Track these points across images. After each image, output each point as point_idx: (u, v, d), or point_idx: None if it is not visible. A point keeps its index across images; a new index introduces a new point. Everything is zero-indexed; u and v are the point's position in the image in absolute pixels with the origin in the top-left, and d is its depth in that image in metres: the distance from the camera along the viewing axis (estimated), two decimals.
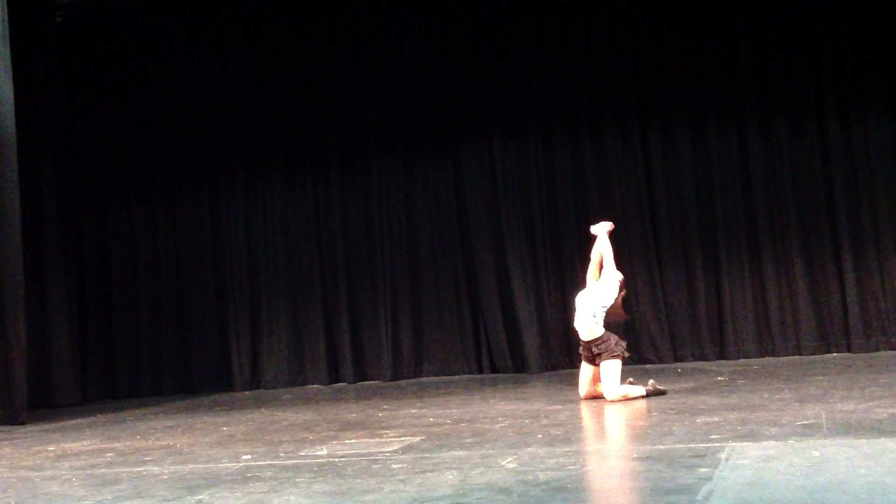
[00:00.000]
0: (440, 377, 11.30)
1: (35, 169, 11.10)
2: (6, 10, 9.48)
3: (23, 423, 9.16)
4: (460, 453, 5.61)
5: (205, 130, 12.22)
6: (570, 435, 6.28)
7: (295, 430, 7.42)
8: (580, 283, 8.42)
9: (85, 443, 7.53)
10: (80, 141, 12.21)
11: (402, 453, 5.76)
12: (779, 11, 11.02)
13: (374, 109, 11.85)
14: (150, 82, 12.30)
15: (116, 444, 7.26)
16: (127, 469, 5.96)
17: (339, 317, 11.70)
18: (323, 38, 11.94)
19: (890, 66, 10.79)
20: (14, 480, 5.89)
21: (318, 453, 6.03)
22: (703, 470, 4.57)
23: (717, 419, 6.24)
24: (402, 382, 11.18)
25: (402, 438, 6.39)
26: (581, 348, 8.02)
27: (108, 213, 12.30)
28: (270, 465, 5.69)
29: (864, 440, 5.08)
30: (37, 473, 6.11)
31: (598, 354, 7.79)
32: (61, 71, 11.84)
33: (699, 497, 4.02)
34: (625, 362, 7.95)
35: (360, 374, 11.61)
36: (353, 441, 6.50)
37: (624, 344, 7.92)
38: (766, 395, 7.37)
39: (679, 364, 10.70)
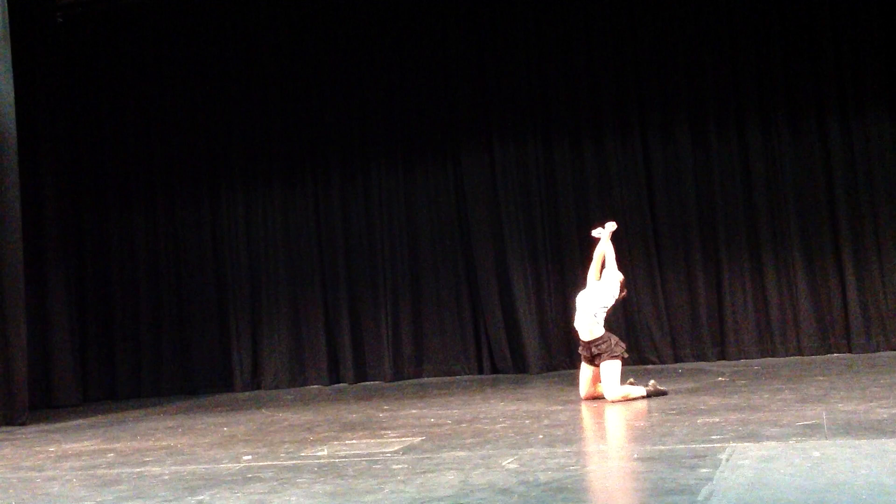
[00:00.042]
0: (441, 378, 11.30)
1: (35, 169, 11.11)
2: (7, 11, 9.49)
3: (23, 424, 9.17)
4: (461, 454, 5.61)
5: (205, 130, 12.22)
6: (571, 435, 6.28)
7: (295, 430, 7.42)
8: (580, 284, 8.42)
9: (85, 443, 7.54)
10: (80, 141, 12.22)
11: (403, 454, 5.76)
12: (779, 11, 11.02)
13: (375, 109, 11.85)
14: (150, 82, 12.30)
15: (117, 445, 7.26)
16: (127, 469, 5.96)
17: (339, 317, 11.70)
18: (323, 38, 11.94)
19: (890, 65, 10.78)
20: (15, 481, 5.89)
21: (319, 454, 6.03)
22: (704, 470, 4.57)
23: (717, 419, 6.24)
24: (403, 383, 11.18)
25: (403, 439, 6.39)
26: (581, 348, 8.02)
27: (108, 213, 12.30)
28: (271, 466, 5.69)
29: (865, 440, 5.08)
30: (37, 474, 6.11)
31: (598, 355, 7.79)
32: (61, 71, 11.85)
33: (700, 497, 4.02)
34: (624, 363, 7.95)
35: (361, 375, 11.61)
36: (354, 441, 6.50)
37: (624, 345, 7.92)
38: (766, 396, 7.37)
39: (680, 364, 10.70)
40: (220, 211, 12.13)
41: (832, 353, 10.58)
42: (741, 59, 11.09)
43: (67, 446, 7.42)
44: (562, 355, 11.06)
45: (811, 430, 5.52)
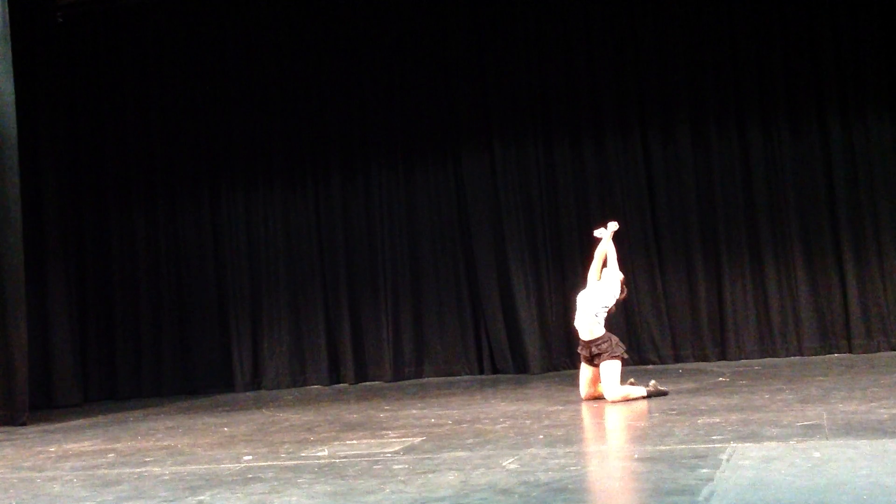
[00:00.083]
0: (441, 378, 11.30)
1: (36, 169, 11.11)
2: (7, 11, 9.49)
3: (24, 424, 9.16)
4: (461, 454, 5.61)
5: (205, 130, 12.23)
6: (572, 436, 6.28)
7: (296, 430, 7.42)
8: (581, 284, 8.42)
9: (86, 443, 7.53)
10: (80, 141, 12.22)
11: (404, 454, 5.76)
12: (779, 11, 11.02)
13: (375, 110, 11.85)
14: (151, 82, 12.30)
15: (117, 445, 7.26)
16: (128, 470, 5.96)
17: (340, 317, 11.70)
18: (323, 39, 11.94)
19: (890, 65, 10.79)
20: (15, 481, 5.89)
21: (320, 454, 6.03)
22: (705, 471, 4.57)
23: (718, 420, 6.24)
24: (404, 383, 11.18)
25: (404, 439, 6.39)
26: (580, 348, 8.02)
27: (108, 214, 12.30)
28: (271, 466, 5.69)
29: (866, 441, 5.08)
30: (38, 474, 6.11)
31: (598, 355, 7.79)
32: (62, 71, 11.85)
33: (700, 498, 4.02)
34: (624, 363, 7.95)
35: (362, 375, 11.61)
36: (355, 442, 6.50)
37: (623, 346, 7.92)
38: (767, 396, 7.36)
39: (680, 365, 10.70)
40: (220, 211, 12.13)
41: (833, 353, 10.58)
42: (741, 59, 11.09)
43: (68, 446, 7.42)
44: (562, 355, 11.07)
45: (812, 431, 5.52)
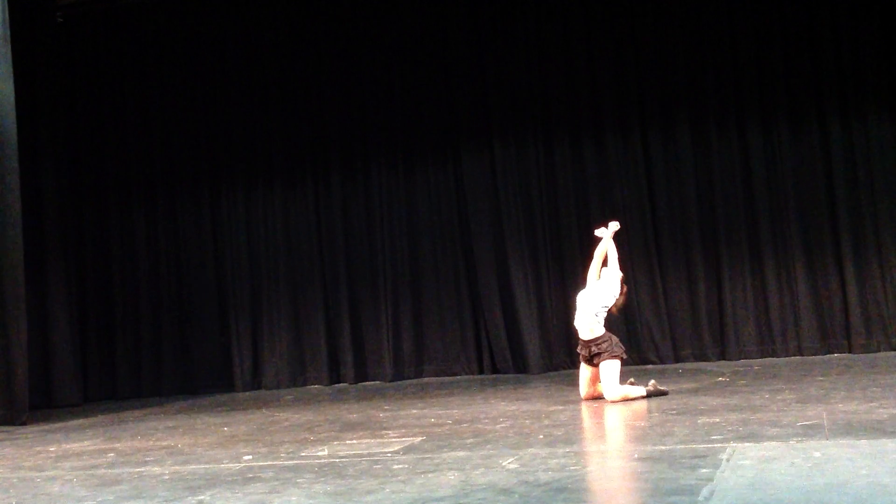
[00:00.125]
0: (441, 378, 11.31)
1: (36, 169, 11.11)
2: (7, 11, 9.49)
3: (24, 424, 9.17)
4: (461, 454, 5.61)
5: (205, 130, 12.23)
6: (572, 435, 6.28)
7: (296, 430, 7.42)
8: (581, 284, 8.42)
9: (86, 443, 7.54)
10: (80, 141, 12.22)
11: (404, 454, 5.76)
12: (779, 11, 11.02)
13: (375, 109, 11.85)
14: (151, 82, 12.30)
15: (117, 445, 7.26)
16: (128, 469, 5.96)
17: (340, 317, 11.70)
18: (323, 39, 11.94)
19: (890, 65, 10.79)
20: (15, 481, 5.89)
21: (320, 454, 6.03)
22: (705, 471, 4.57)
23: (718, 420, 6.24)
24: (403, 383, 11.18)
25: (404, 439, 6.39)
26: (580, 348, 8.02)
27: (108, 213, 12.31)
28: (271, 466, 5.69)
29: (866, 441, 5.08)
30: (38, 474, 6.11)
31: (598, 354, 7.79)
32: (62, 71, 11.85)
33: (700, 498, 4.02)
34: (624, 363, 7.95)
35: (361, 375, 11.61)
36: (355, 441, 6.50)
37: (623, 347, 7.93)
38: (767, 396, 7.36)
39: (680, 364, 10.70)
40: (220, 211, 12.13)
41: (832, 353, 10.58)
42: (741, 59, 11.09)
43: (68, 446, 7.42)
44: (562, 355, 11.07)
45: (811, 431, 5.52)
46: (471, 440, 6.15)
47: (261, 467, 5.66)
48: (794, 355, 10.65)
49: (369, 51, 11.85)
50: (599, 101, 11.36)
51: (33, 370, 10.11)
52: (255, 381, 11.79)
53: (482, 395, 9.22)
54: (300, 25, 12.03)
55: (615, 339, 7.89)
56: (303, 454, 6.07)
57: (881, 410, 6.11)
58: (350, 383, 11.49)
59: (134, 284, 12.17)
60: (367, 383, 11.47)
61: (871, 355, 10.21)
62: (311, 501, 4.56)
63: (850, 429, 5.50)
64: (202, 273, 12.11)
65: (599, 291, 7.94)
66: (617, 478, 4.89)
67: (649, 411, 7.09)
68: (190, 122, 12.21)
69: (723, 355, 10.83)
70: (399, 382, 11.25)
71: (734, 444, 5.22)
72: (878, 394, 7.00)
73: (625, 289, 8.15)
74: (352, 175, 11.89)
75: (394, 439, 6.43)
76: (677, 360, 10.88)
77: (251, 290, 11.94)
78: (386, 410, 8.38)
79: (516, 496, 4.32)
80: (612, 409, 7.38)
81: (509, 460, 5.24)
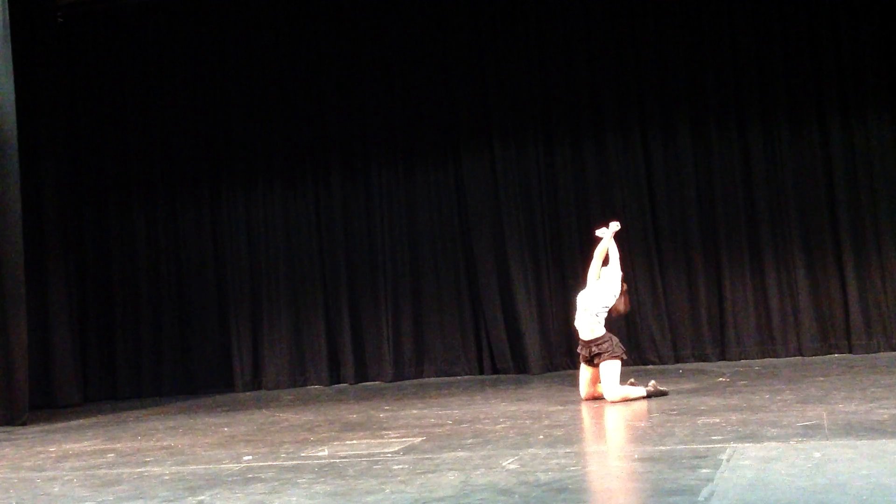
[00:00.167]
0: (441, 378, 11.30)
1: (36, 169, 11.11)
2: (7, 11, 9.49)
3: (24, 424, 9.17)
4: (461, 454, 5.61)
5: (205, 130, 12.22)
6: (572, 436, 6.28)
7: (296, 430, 7.42)
8: (581, 284, 8.42)
9: (86, 443, 7.54)
10: (80, 141, 12.22)
11: (404, 454, 5.76)
12: (779, 11, 11.02)
13: (375, 109, 11.85)
14: (151, 82, 12.30)
15: (117, 445, 7.26)
16: (128, 470, 5.96)
17: (340, 317, 11.70)
18: (323, 39, 11.94)
19: (890, 65, 10.78)
20: (15, 481, 5.89)
21: (320, 454, 6.03)
22: (705, 471, 4.57)
23: (718, 420, 6.24)
24: (404, 383, 11.17)
25: (404, 439, 6.39)
26: (580, 348, 8.02)
27: (108, 213, 12.30)
28: (271, 466, 5.69)
29: (866, 441, 5.08)
30: (38, 474, 6.11)
31: (598, 354, 7.79)
32: (62, 71, 11.85)
33: (700, 498, 4.03)
34: (624, 363, 7.95)
35: (362, 375, 11.60)
36: (355, 442, 6.50)
37: (623, 347, 7.93)
38: (767, 396, 7.37)
39: (680, 365, 10.70)
40: (220, 211, 12.13)
41: (832, 353, 10.58)
42: (741, 59, 11.09)
43: (68, 446, 7.42)
44: (562, 355, 11.06)
45: (812, 431, 5.52)
46: (471, 440, 6.15)
47: (261, 467, 5.66)
48: (794, 355, 10.64)
49: (369, 51, 11.84)
50: (599, 101, 11.36)
51: (33, 370, 10.10)
52: (255, 381, 11.78)
53: (482, 395, 9.22)
54: (300, 25, 12.03)
55: (615, 339, 7.89)
56: (303, 454, 6.07)
57: (881, 411, 6.11)
58: (350, 383, 11.48)
59: (134, 285, 12.17)
60: (367, 383, 11.46)
61: (872, 355, 10.21)
62: (311, 502, 4.56)
63: (851, 429, 5.51)
64: (202, 273, 12.11)
65: (600, 291, 7.94)
66: (617, 478, 4.89)
67: (649, 412, 7.09)
68: (190, 122, 12.21)
69: (723, 355, 10.83)
70: (399, 382, 11.24)
71: (734, 445, 5.22)
72: (879, 394, 7.00)
73: (624, 287, 8.14)
74: (352, 175, 11.89)
75: (394, 439, 6.43)
76: (677, 360, 10.87)
77: (251, 290, 11.94)
78: (386, 410, 8.38)
79: (516, 496, 4.32)
80: (612, 410, 7.38)
81: (509, 461, 5.24)
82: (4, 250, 9.30)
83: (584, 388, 8.00)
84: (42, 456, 6.97)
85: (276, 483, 5.10)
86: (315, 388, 11.43)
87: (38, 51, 11.31)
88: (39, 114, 11.25)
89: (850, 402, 6.68)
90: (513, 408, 7.89)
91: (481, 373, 11.36)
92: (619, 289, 8.03)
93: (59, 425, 9.11)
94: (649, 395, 7.75)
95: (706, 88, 11.14)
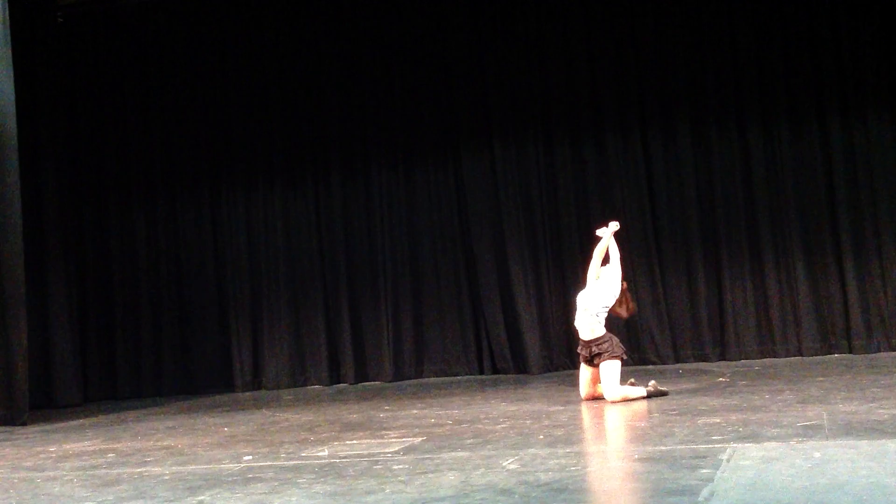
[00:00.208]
0: (441, 378, 11.30)
1: (36, 169, 11.11)
2: (7, 11, 9.49)
3: (24, 424, 9.16)
4: (461, 454, 5.61)
5: (205, 130, 12.22)
6: (572, 436, 6.28)
7: (296, 430, 7.42)
8: (581, 284, 8.42)
9: (86, 443, 7.54)
10: (80, 141, 12.21)
11: (404, 454, 5.76)
12: (779, 11, 11.02)
13: (375, 110, 11.85)
14: (151, 82, 12.30)
15: (118, 445, 7.26)
16: (128, 470, 5.96)
17: (340, 317, 11.70)
18: (323, 39, 11.94)
19: (890, 65, 10.79)
20: (16, 481, 5.89)
21: (320, 454, 6.03)
22: (705, 471, 4.57)
23: (718, 420, 6.24)
24: (404, 383, 11.18)
25: (404, 439, 6.39)
26: (580, 348, 8.02)
27: (108, 213, 12.30)
28: (271, 466, 5.69)
29: (866, 441, 5.08)
30: (38, 474, 6.11)
31: (598, 354, 7.79)
32: (62, 71, 11.85)
33: (700, 498, 4.02)
34: (624, 363, 7.95)
35: (362, 375, 11.61)
36: (355, 442, 6.50)
37: (623, 347, 7.93)
38: (767, 396, 7.36)
39: (680, 365, 10.70)
40: (220, 211, 12.13)
41: (833, 353, 10.58)
42: (741, 59, 11.09)
43: (68, 446, 7.42)
44: (562, 355, 11.07)
45: (812, 431, 5.52)
46: (471, 440, 6.15)
47: (261, 467, 5.66)
48: (794, 355, 10.65)
49: (369, 51, 11.85)
50: (599, 101, 11.36)
51: (33, 370, 10.10)
52: (255, 381, 11.78)
53: (482, 395, 9.22)
54: (300, 25, 12.03)
55: (615, 339, 7.89)
56: (303, 454, 6.07)
57: (881, 411, 6.11)
58: (350, 383, 11.48)
59: (134, 285, 12.17)
60: (367, 383, 11.46)
61: (872, 355, 10.22)
62: (311, 502, 4.56)
63: (851, 429, 5.51)
64: (202, 273, 12.11)
65: (600, 291, 7.94)
66: (617, 478, 4.89)
67: (649, 412, 7.09)
68: (190, 122, 12.21)
69: (723, 355, 10.83)
70: (399, 382, 11.24)
71: (734, 445, 5.22)
72: (879, 394, 7.00)
73: (625, 286, 8.14)
74: (352, 175, 11.89)
75: (394, 439, 6.43)
76: (677, 360, 10.88)
77: (251, 290, 11.94)
78: (386, 410, 8.38)
79: (516, 496, 4.32)
80: (612, 410, 7.38)
81: (509, 461, 5.24)
82: (4, 250, 9.30)
83: (584, 388, 8.00)
84: (42, 456, 6.97)
85: (276, 483, 5.10)
86: (315, 388, 11.43)
87: (38, 51, 11.31)
88: (39, 114, 11.25)
89: (850, 402, 6.68)
90: (513, 408, 7.89)
91: (481, 373, 11.36)
92: (619, 288, 8.02)
93: (59, 425, 9.11)
94: (649, 395, 7.76)
95: (706, 88, 11.14)
